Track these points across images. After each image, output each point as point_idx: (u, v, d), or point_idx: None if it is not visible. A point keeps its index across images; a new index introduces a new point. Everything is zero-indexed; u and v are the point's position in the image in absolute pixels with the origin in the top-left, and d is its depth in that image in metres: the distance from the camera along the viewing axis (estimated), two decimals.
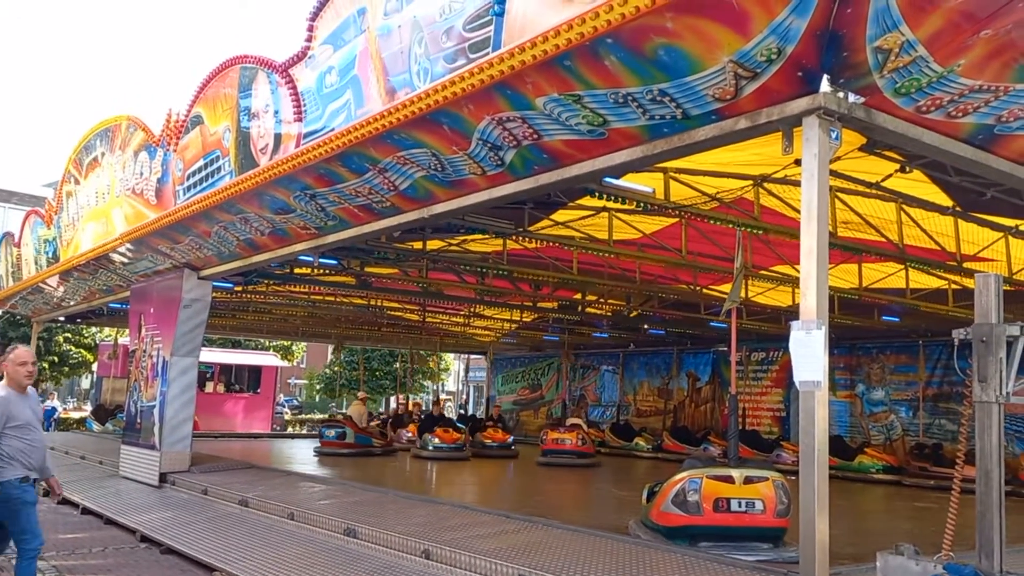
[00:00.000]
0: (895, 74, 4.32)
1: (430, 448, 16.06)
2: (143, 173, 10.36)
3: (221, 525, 8.32)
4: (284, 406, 36.18)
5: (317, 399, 38.59)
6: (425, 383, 36.19)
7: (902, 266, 11.41)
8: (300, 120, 6.99)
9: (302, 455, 16.55)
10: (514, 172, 6.20)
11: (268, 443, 20.23)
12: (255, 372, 24.96)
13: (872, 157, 6.93)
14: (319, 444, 16.92)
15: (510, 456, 17.63)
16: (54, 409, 24.98)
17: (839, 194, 8.46)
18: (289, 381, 47.79)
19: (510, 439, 18.27)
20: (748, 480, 6.78)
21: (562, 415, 23.24)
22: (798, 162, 4.84)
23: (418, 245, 11.02)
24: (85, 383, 38.95)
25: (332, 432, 16.73)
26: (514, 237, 10.43)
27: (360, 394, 21.04)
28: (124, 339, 21.14)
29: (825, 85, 4.33)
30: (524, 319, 20.00)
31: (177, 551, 7.62)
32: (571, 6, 4.36)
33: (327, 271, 12.65)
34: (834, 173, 6.94)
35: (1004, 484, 4.03)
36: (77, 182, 13.21)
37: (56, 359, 25.67)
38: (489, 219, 9.44)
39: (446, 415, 19.97)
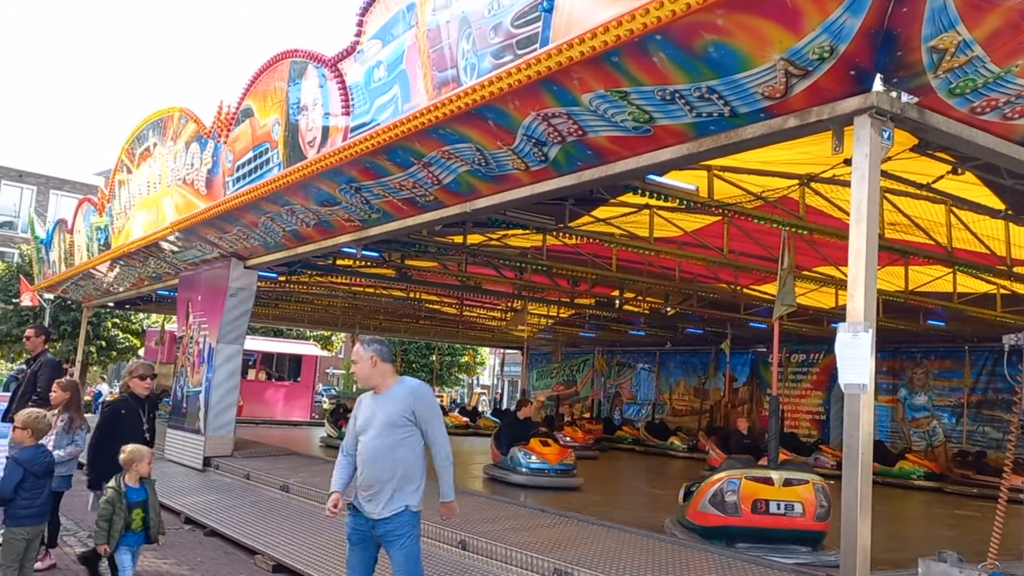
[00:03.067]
0: (950, 74, 4.25)
1: (523, 469, 11.34)
2: (194, 164, 10.57)
3: (263, 509, 8.49)
4: (323, 395, 36.63)
5: (354, 389, 38.97)
6: (461, 376, 36.39)
7: (950, 269, 11.19)
8: (348, 114, 7.07)
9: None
10: (557, 168, 6.22)
11: (307, 431, 20.52)
12: (295, 361, 25.30)
13: (923, 158, 6.81)
14: None
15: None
16: (100, 392, 25.61)
17: (887, 195, 8.32)
18: (328, 371, 48.35)
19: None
20: (788, 482, 6.73)
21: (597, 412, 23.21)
22: (848, 162, 4.79)
23: (458, 239, 11.08)
24: None
25: None
26: (554, 233, 10.44)
27: (537, 396, 21.75)
28: (171, 325, 21.61)
29: (878, 84, 4.28)
30: (561, 315, 20.00)
31: (221, 533, 7.80)
32: (620, 2, 4.36)
33: (368, 263, 12.80)
34: (883, 174, 6.82)
35: None
36: (129, 171, 13.52)
37: (104, 343, 26.28)
38: (530, 214, 9.47)
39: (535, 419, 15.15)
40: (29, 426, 5.19)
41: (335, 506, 4.12)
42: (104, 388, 27.26)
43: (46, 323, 22.99)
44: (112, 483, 5.31)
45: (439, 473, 4.19)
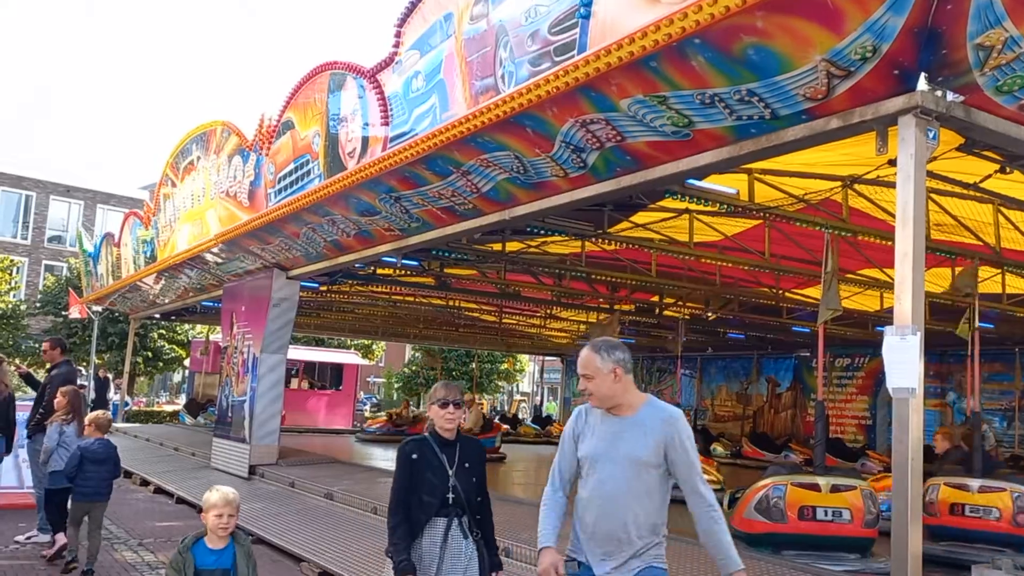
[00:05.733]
0: (997, 71, 4.17)
1: None
2: (236, 176, 10.77)
3: (308, 517, 8.59)
4: (364, 404, 36.93)
5: (395, 397, 39.24)
6: (500, 383, 36.42)
7: (998, 270, 10.94)
8: (387, 124, 7.16)
9: (382, 452, 16.89)
10: (596, 174, 6.21)
11: (349, 439, 20.72)
12: (337, 370, 25.55)
13: (969, 157, 6.67)
14: None
15: None
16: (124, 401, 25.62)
17: (933, 195, 8.16)
18: (369, 379, 48.76)
19: None
20: (835, 488, 6.63)
21: None
22: (892, 163, 4.71)
23: (497, 246, 11.11)
24: (177, 377, 40.62)
25: None
26: (593, 239, 10.42)
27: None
28: (216, 336, 21.97)
29: (922, 84, 4.21)
30: (600, 321, 19.92)
31: (266, 541, 7.89)
32: (657, 7, 4.36)
33: (408, 272, 12.90)
34: (929, 174, 6.71)
35: None
36: (174, 185, 13.81)
37: (151, 354, 26.83)
38: (569, 221, 9.46)
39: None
40: (92, 422, 6.52)
41: (556, 572, 2.95)
42: (128, 398, 27.36)
43: (94, 335, 23.55)
44: (185, 540, 3.65)
45: (714, 537, 3.05)
